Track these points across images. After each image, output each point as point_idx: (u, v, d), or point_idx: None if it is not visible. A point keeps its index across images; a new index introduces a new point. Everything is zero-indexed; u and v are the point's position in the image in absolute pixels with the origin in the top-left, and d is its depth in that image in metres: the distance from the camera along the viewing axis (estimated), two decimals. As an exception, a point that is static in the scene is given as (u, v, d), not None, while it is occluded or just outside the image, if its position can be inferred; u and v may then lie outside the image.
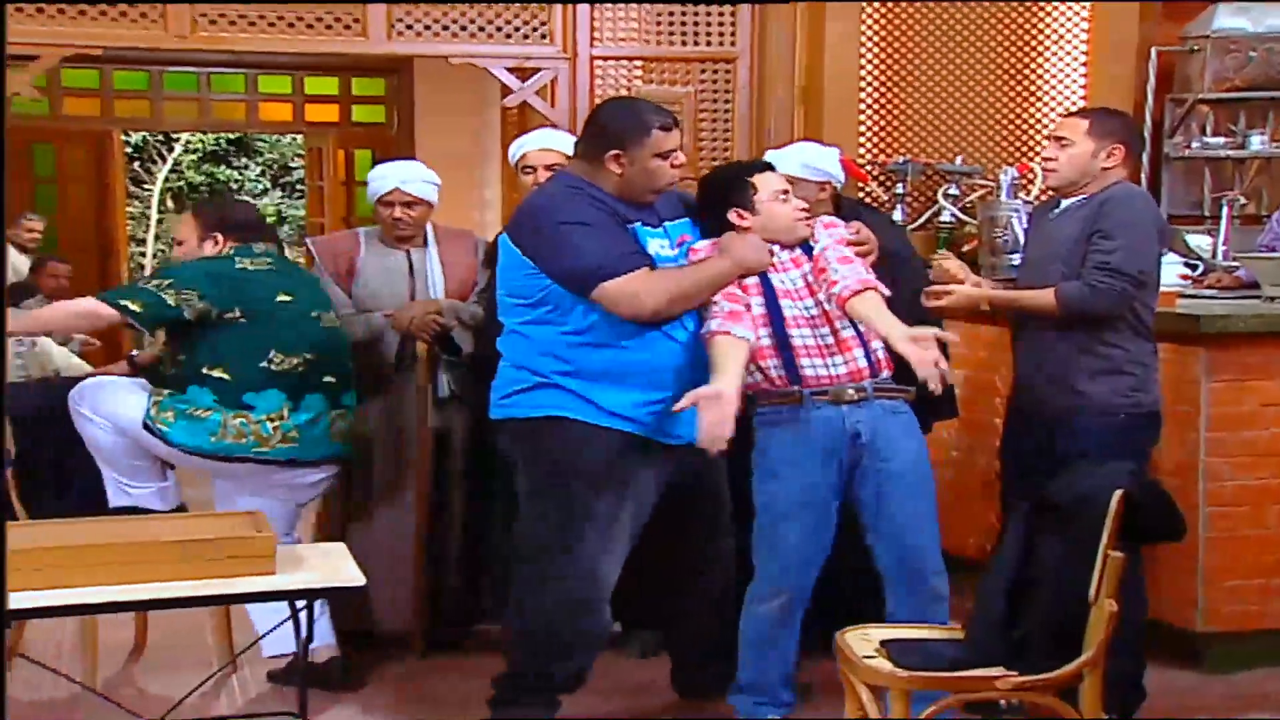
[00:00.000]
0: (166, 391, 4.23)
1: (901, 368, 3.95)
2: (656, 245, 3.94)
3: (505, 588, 4.66)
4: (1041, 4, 6.42)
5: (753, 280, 3.87)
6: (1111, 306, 4.02)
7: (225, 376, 4.20)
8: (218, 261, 4.35)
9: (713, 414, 3.60)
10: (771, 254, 3.91)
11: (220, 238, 4.40)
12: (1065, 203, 4.22)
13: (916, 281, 4.49)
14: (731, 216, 3.93)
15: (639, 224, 3.92)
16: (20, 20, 5.59)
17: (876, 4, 6.27)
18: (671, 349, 3.86)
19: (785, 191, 3.97)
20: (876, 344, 3.90)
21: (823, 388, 3.85)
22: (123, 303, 4.15)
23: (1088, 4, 6.43)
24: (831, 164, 4.55)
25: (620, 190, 3.89)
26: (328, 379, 4.39)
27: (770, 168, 4.07)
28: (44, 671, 4.31)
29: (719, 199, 3.99)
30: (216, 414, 4.19)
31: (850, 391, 3.86)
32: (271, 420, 4.24)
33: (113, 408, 4.28)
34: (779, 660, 4.03)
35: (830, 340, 3.87)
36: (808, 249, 3.95)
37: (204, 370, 4.20)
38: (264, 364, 4.23)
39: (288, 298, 4.34)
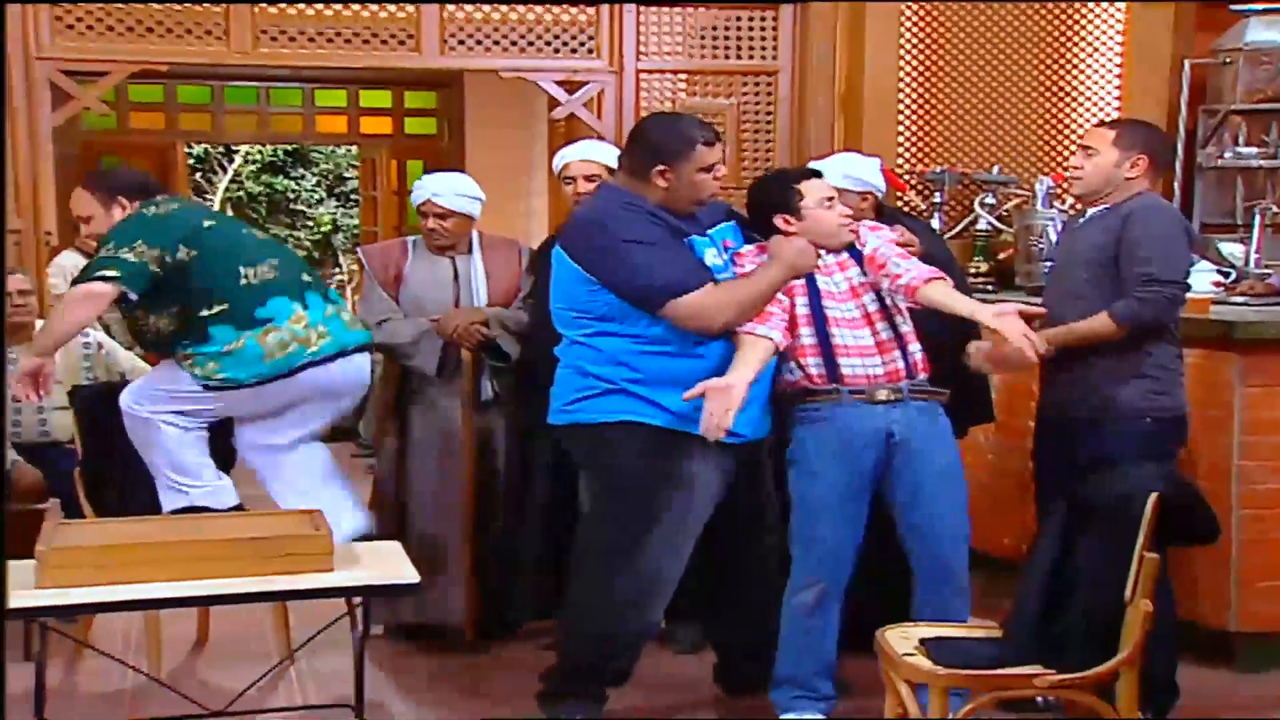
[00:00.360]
0: (190, 350, 4.23)
1: (937, 373, 4.00)
2: (711, 256, 3.96)
3: (543, 586, 4.72)
4: (1076, 18, 6.37)
5: (799, 282, 3.89)
6: (1162, 314, 4.00)
7: (224, 305, 4.20)
8: (134, 218, 4.31)
9: (717, 404, 3.63)
10: (817, 257, 3.91)
11: (125, 201, 4.38)
12: (1090, 212, 4.20)
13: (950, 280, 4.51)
14: (778, 222, 3.95)
15: (693, 236, 3.93)
16: (91, 39, 5.69)
17: (914, 18, 6.23)
18: (730, 352, 3.85)
19: (831, 198, 3.98)
20: (914, 347, 3.92)
21: (859, 387, 3.87)
22: (101, 274, 4.12)
23: (1122, 16, 6.37)
24: (873, 174, 4.55)
25: (665, 203, 3.90)
26: (306, 278, 4.42)
27: (817, 175, 4.07)
28: (112, 663, 4.34)
29: (766, 205, 4.00)
30: (248, 339, 4.19)
31: (886, 392, 3.87)
32: (297, 322, 4.25)
33: (171, 398, 4.29)
34: (815, 652, 4.02)
35: (870, 342, 3.89)
36: (855, 254, 3.97)
37: (203, 313, 4.19)
38: (243, 281, 4.23)
39: (212, 222, 4.36)
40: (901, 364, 3.91)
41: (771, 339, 3.80)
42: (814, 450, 3.92)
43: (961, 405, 4.56)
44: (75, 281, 4.22)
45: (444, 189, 4.78)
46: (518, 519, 4.81)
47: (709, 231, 3.99)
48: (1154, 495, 3.35)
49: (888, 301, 3.95)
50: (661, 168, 3.86)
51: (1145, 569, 3.32)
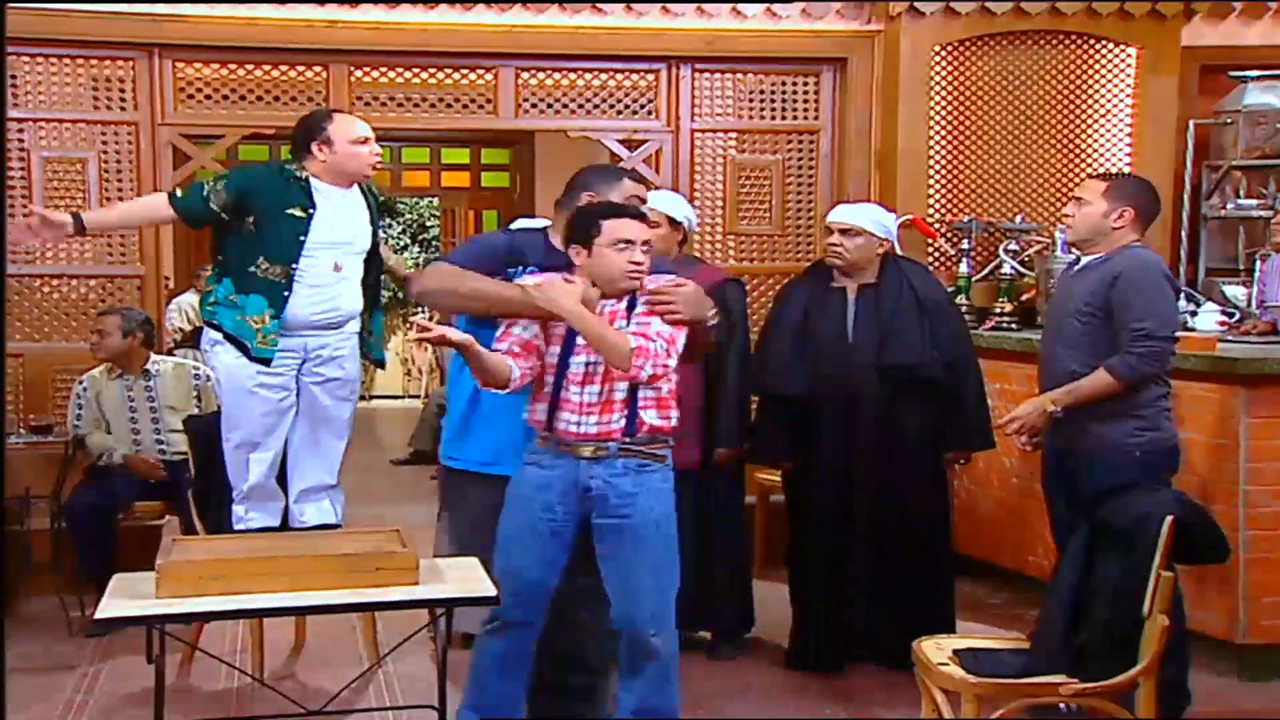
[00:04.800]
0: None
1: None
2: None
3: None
4: (1091, 82, 6.32)
5: (560, 331, 3.46)
6: (1159, 367, 3.94)
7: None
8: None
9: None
10: (597, 299, 3.45)
11: None
12: (1083, 261, 4.12)
13: (951, 323, 4.59)
14: (570, 251, 3.50)
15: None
16: (208, 106, 5.82)
17: (942, 81, 6.19)
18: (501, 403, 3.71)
19: (629, 241, 3.44)
20: (651, 413, 3.45)
21: (569, 440, 3.45)
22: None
23: (1132, 80, 6.31)
24: (893, 226, 4.65)
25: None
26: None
27: (629, 213, 3.53)
28: (220, 665, 4.35)
29: (571, 231, 3.53)
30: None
31: (591, 448, 3.45)
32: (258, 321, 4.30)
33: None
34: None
35: (595, 399, 3.43)
36: (631, 306, 3.48)
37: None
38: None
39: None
40: (621, 424, 3.44)
41: (511, 369, 3.42)
42: (513, 489, 3.56)
43: (961, 433, 4.52)
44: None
45: (527, 225, 4.79)
46: None
47: None
48: (1169, 518, 3.30)
49: None
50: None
51: (1161, 587, 3.26)
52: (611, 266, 3.43)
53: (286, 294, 4.17)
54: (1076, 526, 3.63)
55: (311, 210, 4.20)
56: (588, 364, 3.43)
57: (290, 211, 4.17)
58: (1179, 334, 4.56)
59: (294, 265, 4.17)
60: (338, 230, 4.27)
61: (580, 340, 3.41)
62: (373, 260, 4.42)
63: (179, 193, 4.41)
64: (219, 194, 4.20)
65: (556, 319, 3.41)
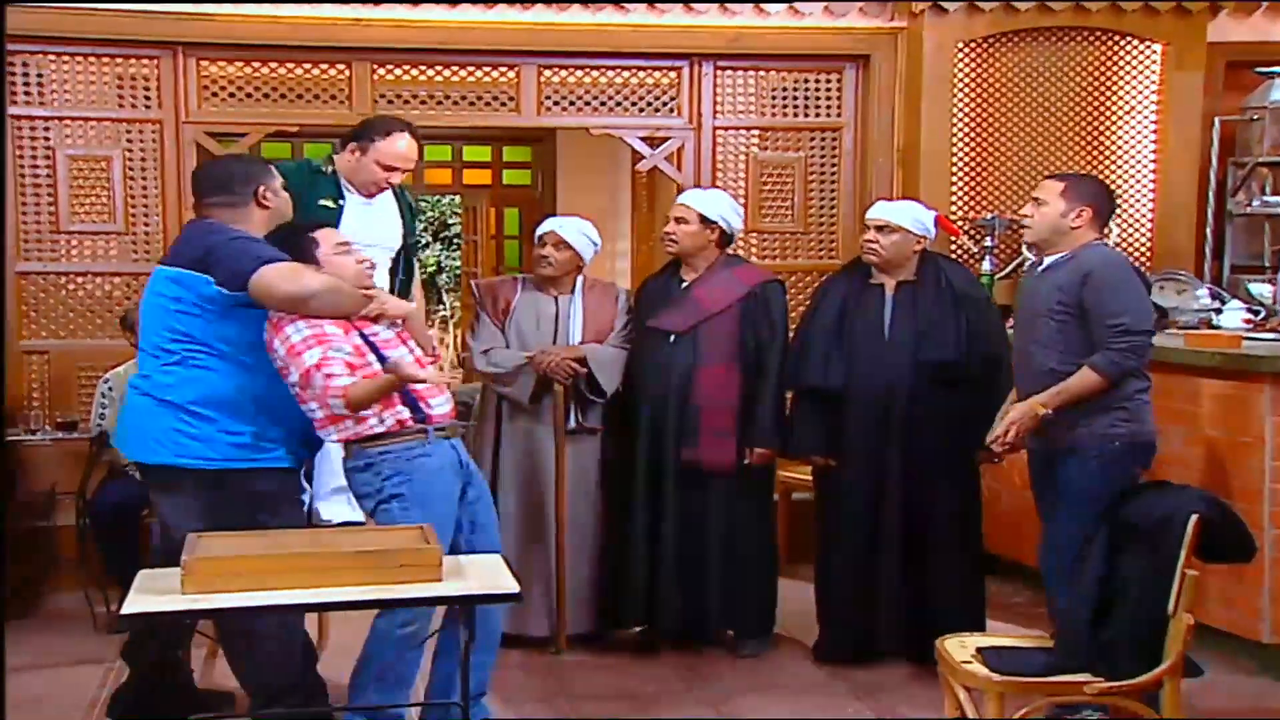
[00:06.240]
0: None
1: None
2: None
3: (638, 592, 4.68)
4: (1115, 77, 6.30)
5: (355, 341, 3.59)
6: (1140, 361, 3.95)
7: None
8: None
9: None
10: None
11: None
12: (1047, 260, 4.12)
13: (989, 321, 4.61)
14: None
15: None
16: (232, 104, 5.84)
17: (965, 78, 6.18)
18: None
19: (345, 244, 3.70)
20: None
21: (445, 423, 3.68)
22: None
23: (1157, 77, 6.29)
24: (931, 224, 4.64)
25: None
26: None
27: (330, 226, 3.82)
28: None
29: (287, 248, 3.59)
30: None
31: (452, 426, 3.70)
32: None
33: None
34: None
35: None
36: None
37: None
38: None
39: None
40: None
41: None
42: (418, 488, 3.64)
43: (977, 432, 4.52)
44: None
45: (570, 224, 4.79)
46: (620, 537, 4.77)
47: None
48: (1194, 516, 3.30)
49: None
50: None
51: (1186, 585, 3.25)
52: (344, 269, 3.61)
53: None
54: (1067, 523, 3.67)
55: (341, 202, 4.26)
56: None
57: (323, 203, 4.25)
58: (1202, 331, 4.56)
59: None
60: (368, 224, 4.32)
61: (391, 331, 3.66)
62: (398, 261, 4.44)
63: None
64: None
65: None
